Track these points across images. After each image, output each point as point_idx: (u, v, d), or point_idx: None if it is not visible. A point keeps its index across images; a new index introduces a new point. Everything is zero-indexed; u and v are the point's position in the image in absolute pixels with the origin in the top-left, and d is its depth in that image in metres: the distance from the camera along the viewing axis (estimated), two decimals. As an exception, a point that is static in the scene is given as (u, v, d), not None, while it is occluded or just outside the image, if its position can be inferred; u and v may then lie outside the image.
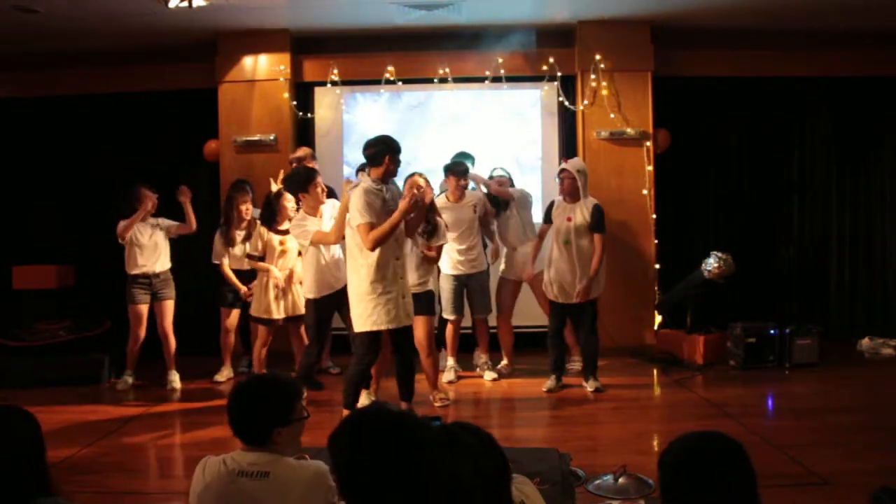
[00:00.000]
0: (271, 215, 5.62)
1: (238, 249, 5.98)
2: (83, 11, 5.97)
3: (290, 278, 5.63)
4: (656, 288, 6.97)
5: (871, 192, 7.46)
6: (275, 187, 5.78)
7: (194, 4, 5.61)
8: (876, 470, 3.63)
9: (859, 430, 4.46)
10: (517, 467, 1.76)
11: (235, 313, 6.13)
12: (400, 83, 7.00)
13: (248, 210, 5.99)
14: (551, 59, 6.94)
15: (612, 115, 6.90)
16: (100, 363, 6.14)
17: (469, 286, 5.87)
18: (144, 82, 7.15)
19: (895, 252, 7.41)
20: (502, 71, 6.91)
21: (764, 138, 7.39)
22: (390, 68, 6.94)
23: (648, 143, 6.90)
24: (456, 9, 6.38)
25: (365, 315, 4.53)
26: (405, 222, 4.59)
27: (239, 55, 7.00)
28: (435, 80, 6.99)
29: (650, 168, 6.92)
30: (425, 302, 5.19)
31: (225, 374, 6.18)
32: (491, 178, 6.14)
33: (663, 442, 4.52)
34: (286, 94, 6.98)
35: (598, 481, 3.56)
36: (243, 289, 5.93)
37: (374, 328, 4.54)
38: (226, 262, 5.97)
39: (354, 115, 7.23)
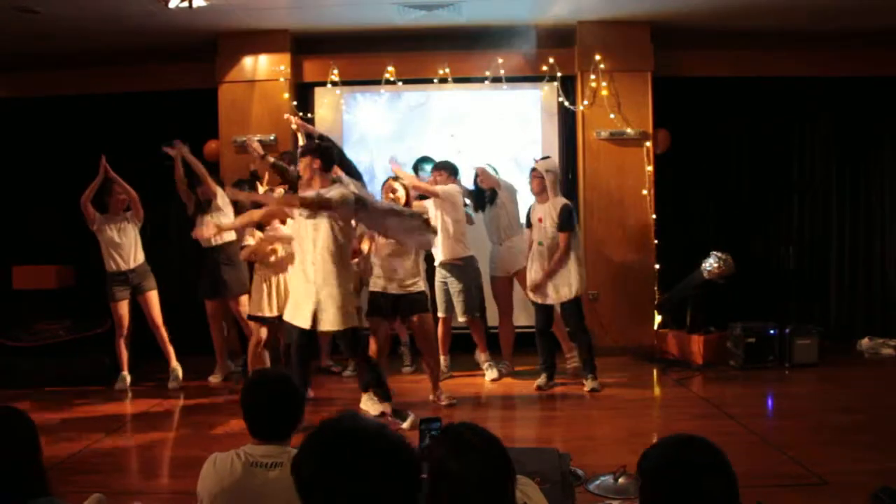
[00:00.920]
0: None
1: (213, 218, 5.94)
2: (83, 11, 5.97)
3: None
4: (656, 288, 6.97)
5: (871, 192, 7.46)
6: (261, 190, 5.85)
7: (194, 4, 5.61)
8: (876, 470, 3.63)
9: (859, 430, 4.46)
10: (517, 467, 1.75)
11: (211, 304, 6.08)
12: (400, 83, 7.00)
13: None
14: (551, 60, 6.94)
15: (612, 116, 6.90)
16: (100, 363, 6.14)
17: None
18: (144, 82, 7.15)
19: (895, 252, 7.41)
20: (502, 71, 6.91)
21: (764, 138, 7.39)
22: (390, 68, 6.94)
23: (648, 144, 6.90)
24: (456, 9, 6.38)
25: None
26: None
27: (239, 55, 7.00)
28: (435, 81, 6.99)
29: (650, 168, 6.92)
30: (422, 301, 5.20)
31: (219, 375, 6.15)
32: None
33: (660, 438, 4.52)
34: (286, 95, 6.98)
35: (598, 481, 3.56)
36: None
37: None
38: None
39: (354, 115, 7.23)
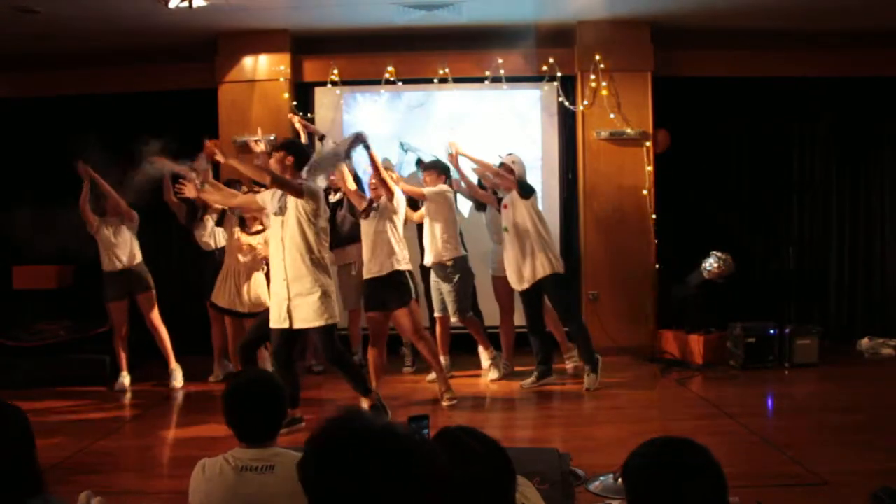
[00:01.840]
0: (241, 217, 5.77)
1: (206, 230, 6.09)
2: (83, 11, 5.97)
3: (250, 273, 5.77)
4: (656, 288, 6.97)
5: (871, 192, 7.46)
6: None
7: (194, 4, 5.61)
8: (876, 470, 3.63)
9: (859, 430, 4.46)
10: (517, 467, 1.74)
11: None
12: (400, 83, 7.00)
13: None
14: (551, 60, 6.93)
15: (612, 116, 6.90)
16: (100, 363, 6.14)
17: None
18: (144, 82, 7.15)
19: (895, 252, 7.41)
20: (502, 71, 6.90)
21: (764, 138, 7.39)
22: (390, 68, 6.93)
23: (648, 144, 6.90)
24: (456, 9, 6.38)
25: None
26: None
27: (239, 55, 7.00)
28: (435, 81, 6.99)
29: (650, 168, 6.92)
30: (401, 288, 5.10)
31: (219, 375, 6.16)
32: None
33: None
34: (286, 95, 6.98)
35: (598, 481, 3.56)
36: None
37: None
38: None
39: (354, 115, 7.23)
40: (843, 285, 7.44)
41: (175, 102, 7.20)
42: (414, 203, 5.96)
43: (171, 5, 5.61)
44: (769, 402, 5.45)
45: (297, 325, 4.54)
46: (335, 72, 6.99)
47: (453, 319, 5.86)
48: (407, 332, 5.27)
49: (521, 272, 5.55)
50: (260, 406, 2.25)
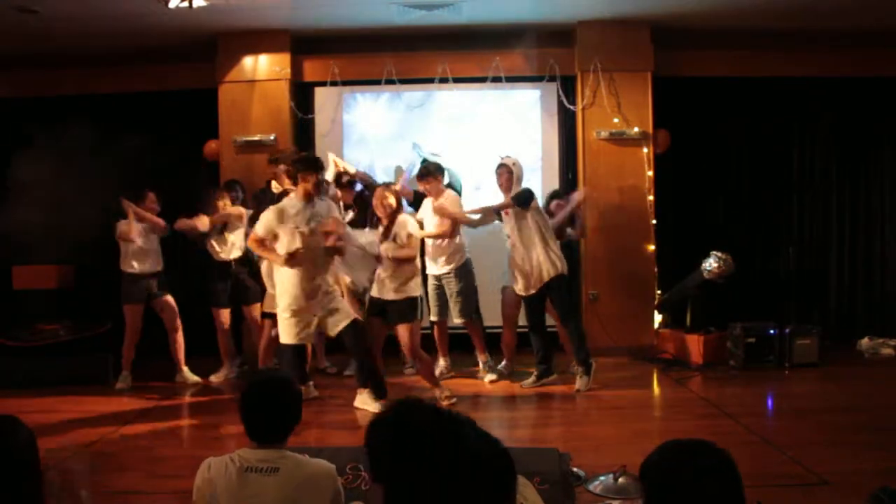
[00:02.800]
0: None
1: (220, 238, 6.06)
2: (83, 11, 5.97)
3: None
4: (657, 288, 6.97)
5: (871, 192, 7.46)
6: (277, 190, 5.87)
7: (194, 4, 5.61)
8: (876, 470, 3.63)
9: (859, 430, 4.46)
10: (517, 467, 1.74)
11: (226, 312, 6.15)
12: (400, 83, 7.00)
13: (226, 205, 6.04)
14: (551, 60, 6.94)
15: (614, 119, 6.90)
16: (100, 363, 6.14)
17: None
18: (144, 82, 7.16)
19: (895, 252, 7.41)
20: (502, 71, 6.91)
21: (764, 138, 7.39)
22: (390, 68, 6.94)
23: (646, 150, 6.89)
24: (456, 9, 6.38)
25: (284, 330, 4.89)
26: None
27: (239, 55, 7.00)
28: (435, 80, 6.99)
29: (650, 173, 6.91)
30: (407, 309, 5.20)
31: (222, 375, 6.19)
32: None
33: (663, 442, 4.52)
34: (286, 95, 6.98)
35: (598, 481, 3.56)
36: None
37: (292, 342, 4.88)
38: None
39: (354, 115, 7.23)
40: (843, 285, 7.44)
41: (175, 102, 7.21)
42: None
43: (171, 5, 5.61)
44: (769, 402, 5.45)
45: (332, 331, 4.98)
46: (335, 72, 6.99)
47: (458, 321, 5.89)
48: (405, 348, 5.31)
49: (529, 278, 5.55)
50: (273, 406, 2.25)
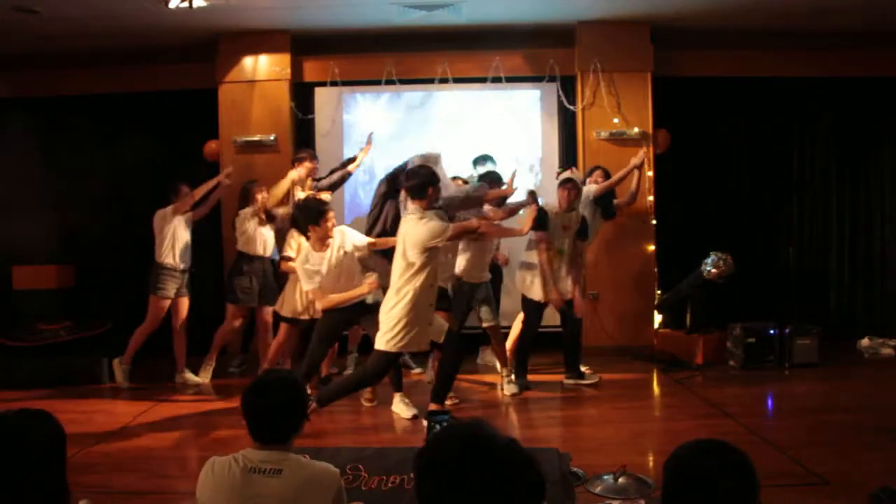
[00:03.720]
0: (310, 214, 5.60)
1: (256, 232, 5.97)
2: (83, 11, 5.97)
3: None
4: (656, 288, 6.98)
5: (871, 192, 7.47)
6: (302, 194, 5.82)
7: (194, 5, 5.62)
8: (876, 470, 3.63)
9: (859, 430, 4.46)
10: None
11: (243, 310, 6.08)
12: (400, 84, 7.00)
13: (264, 198, 5.99)
14: (551, 60, 6.94)
15: (614, 119, 6.90)
16: (100, 363, 6.14)
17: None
18: (144, 82, 7.16)
19: (895, 252, 7.42)
20: (502, 71, 6.91)
21: (764, 138, 7.39)
22: (390, 68, 6.94)
23: (648, 146, 6.89)
24: (456, 9, 6.38)
25: (392, 336, 4.52)
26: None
27: (239, 55, 7.00)
28: (435, 81, 6.99)
29: (650, 173, 6.91)
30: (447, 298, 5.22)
31: (206, 375, 6.13)
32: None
33: (663, 442, 4.52)
34: (286, 95, 6.98)
35: (598, 481, 3.56)
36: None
37: (396, 350, 4.55)
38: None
39: (354, 115, 7.23)
40: (843, 285, 7.44)
41: (175, 102, 7.21)
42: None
43: (171, 5, 5.61)
44: (769, 402, 5.45)
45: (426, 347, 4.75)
46: (335, 72, 6.99)
47: (490, 324, 5.75)
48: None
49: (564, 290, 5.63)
50: (277, 407, 2.24)
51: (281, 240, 5.98)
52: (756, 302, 6.96)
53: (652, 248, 6.96)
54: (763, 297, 7.11)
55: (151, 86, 7.16)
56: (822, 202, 7.48)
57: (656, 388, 5.96)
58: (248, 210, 5.98)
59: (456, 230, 4.47)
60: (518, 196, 5.60)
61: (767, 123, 7.37)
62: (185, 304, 6.05)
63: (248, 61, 7.02)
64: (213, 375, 6.14)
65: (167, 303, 5.93)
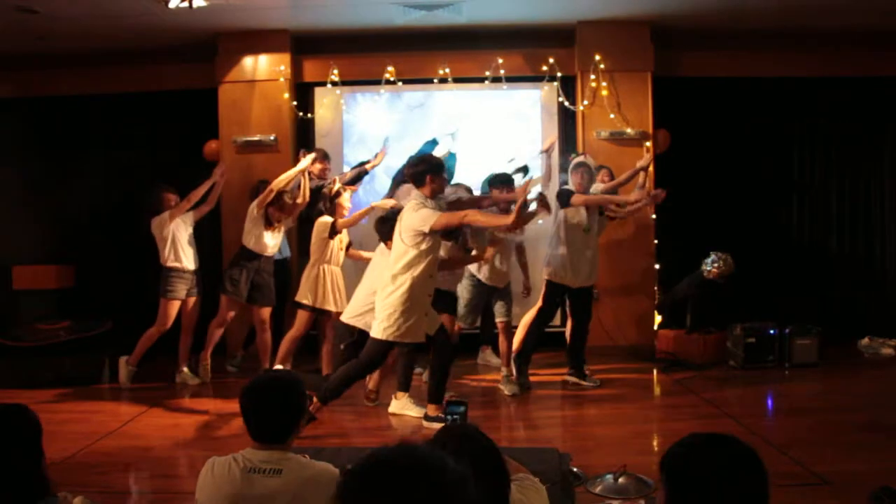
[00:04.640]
0: (329, 213, 5.67)
1: (270, 238, 5.96)
2: (83, 11, 5.97)
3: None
4: (656, 288, 6.98)
5: (871, 192, 7.47)
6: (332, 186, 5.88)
7: (194, 4, 5.61)
8: (876, 470, 3.63)
9: (859, 430, 4.46)
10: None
11: (239, 307, 6.05)
12: (400, 83, 6.99)
13: (295, 206, 5.97)
14: (551, 60, 6.94)
15: (612, 116, 6.90)
16: (100, 363, 6.13)
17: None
18: (144, 82, 7.16)
19: (895, 252, 7.41)
20: (502, 71, 6.90)
21: (764, 138, 7.39)
22: (390, 68, 6.93)
23: (648, 144, 6.89)
24: (456, 9, 6.38)
25: (388, 325, 4.52)
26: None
27: (239, 55, 7.00)
28: (435, 81, 6.99)
29: (650, 170, 6.90)
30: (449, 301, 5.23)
31: (206, 373, 6.10)
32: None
33: (663, 442, 4.52)
34: (286, 95, 6.98)
35: (598, 481, 3.56)
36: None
37: (391, 339, 4.55)
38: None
39: (354, 115, 7.23)
40: (844, 285, 7.44)
41: (175, 102, 7.21)
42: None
43: (171, 5, 5.61)
44: (769, 402, 5.45)
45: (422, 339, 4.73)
46: (335, 72, 6.99)
47: (504, 320, 5.80)
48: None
49: (587, 273, 5.66)
50: (276, 406, 2.24)
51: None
52: (756, 302, 6.95)
53: (652, 247, 6.96)
54: (763, 296, 7.10)
55: (151, 86, 7.16)
56: (822, 202, 7.48)
57: (656, 388, 5.97)
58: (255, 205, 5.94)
59: (445, 218, 4.44)
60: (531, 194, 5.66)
61: (767, 123, 7.37)
62: (195, 304, 6.07)
63: (248, 61, 7.02)
64: (213, 375, 6.13)
65: (177, 305, 5.93)
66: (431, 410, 4.77)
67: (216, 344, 6.13)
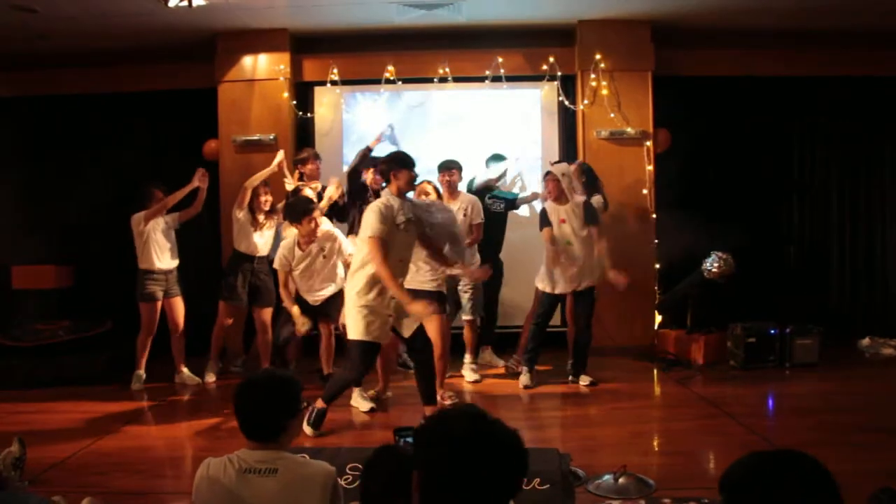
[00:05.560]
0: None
1: (259, 237, 6.00)
2: (83, 11, 5.97)
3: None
4: (656, 288, 6.97)
5: (871, 192, 7.46)
6: (290, 185, 5.91)
7: (194, 4, 5.61)
8: (876, 470, 3.62)
9: (859, 430, 4.46)
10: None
11: (236, 310, 6.08)
12: (400, 83, 6.99)
13: (268, 201, 6.01)
14: (551, 59, 6.94)
15: (612, 115, 6.90)
16: (99, 363, 6.13)
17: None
18: (144, 82, 7.16)
19: (895, 252, 7.41)
20: (502, 71, 6.91)
21: (764, 138, 7.39)
22: (390, 68, 6.93)
23: (648, 143, 6.90)
24: (456, 9, 6.38)
25: (353, 325, 4.51)
26: (424, 239, 4.70)
27: (238, 55, 7.00)
28: (435, 80, 6.99)
29: (650, 168, 6.92)
30: (438, 301, 5.20)
31: (211, 376, 6.13)
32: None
33: (663, 442, 4.52)
34: (286, 94, 6.97)
35: (598, 481, 3.56)
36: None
37: (362, 339, 4.50)
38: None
39: (354, 114, 7.23)
40: (844, 285, 7.44)
41: (175, 102, 7.21)
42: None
43: (171, 5, 5.60)
44: (769, 402, 5.44)
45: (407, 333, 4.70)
46: (335, 71, 6.99)
47: (469, 318, 5.95)
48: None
49: (580, 276, 5.64)
50: (270, 404, 2.24)
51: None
52: (756, 302, 6.95)
53: (652, 247, 6.96)
54: (763, 296, 7.10)
55: (151, 85, 7.16)
56: (822, 202, 7.48)
57: (656, 388, 5.96)
58: (235, 208, 6.01)
59: (372, 244, 4.34)
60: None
61: (767, 123, 7.36)
62: (177, 303, 6.00)
63: (247, 60, 7.01)
64: (216, 377, 6.14)
65: (156, 305, 5.91)
66: (428, 413, 4.76)
67: (221, 348, 6.20)
